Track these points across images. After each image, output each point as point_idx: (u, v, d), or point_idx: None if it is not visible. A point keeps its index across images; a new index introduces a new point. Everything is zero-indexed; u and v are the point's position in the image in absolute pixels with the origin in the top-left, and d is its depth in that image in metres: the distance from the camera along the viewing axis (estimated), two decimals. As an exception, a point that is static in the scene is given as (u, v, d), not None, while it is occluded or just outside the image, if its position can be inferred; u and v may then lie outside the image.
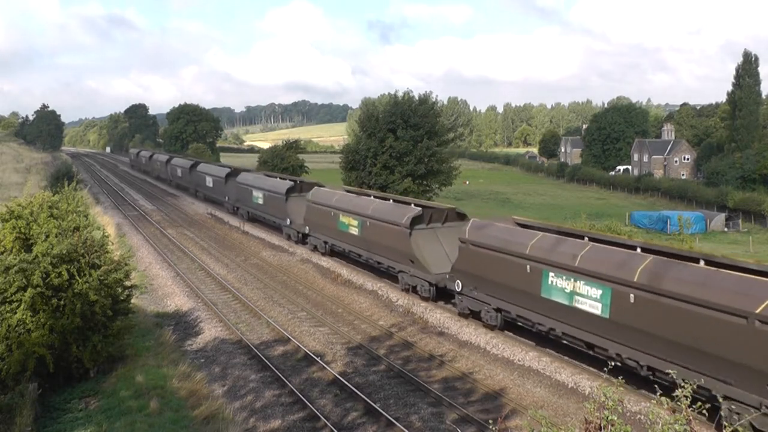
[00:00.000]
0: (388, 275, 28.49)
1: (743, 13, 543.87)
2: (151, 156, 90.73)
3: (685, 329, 14.69)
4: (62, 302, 16.82)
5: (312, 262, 33.37)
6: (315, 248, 35.08)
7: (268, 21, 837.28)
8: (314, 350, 20.42)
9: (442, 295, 24.85)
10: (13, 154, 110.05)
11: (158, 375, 17.43)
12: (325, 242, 33.75)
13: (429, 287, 24.86)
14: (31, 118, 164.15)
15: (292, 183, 39.90)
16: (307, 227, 35.65)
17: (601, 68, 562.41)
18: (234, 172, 52.34)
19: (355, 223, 30.00)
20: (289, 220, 38.20)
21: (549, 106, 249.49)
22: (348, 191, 35.27)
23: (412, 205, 27.52)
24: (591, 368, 18.22)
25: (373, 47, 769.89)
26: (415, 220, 26.01)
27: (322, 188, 36.31)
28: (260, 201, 43.15)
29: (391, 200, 30.15)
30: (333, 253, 33.76)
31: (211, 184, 56.40)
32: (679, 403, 6.58)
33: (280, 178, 44.40)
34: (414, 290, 25.86)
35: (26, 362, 15.69)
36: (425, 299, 25.18)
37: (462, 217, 26.68)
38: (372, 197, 31.45)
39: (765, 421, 13.25)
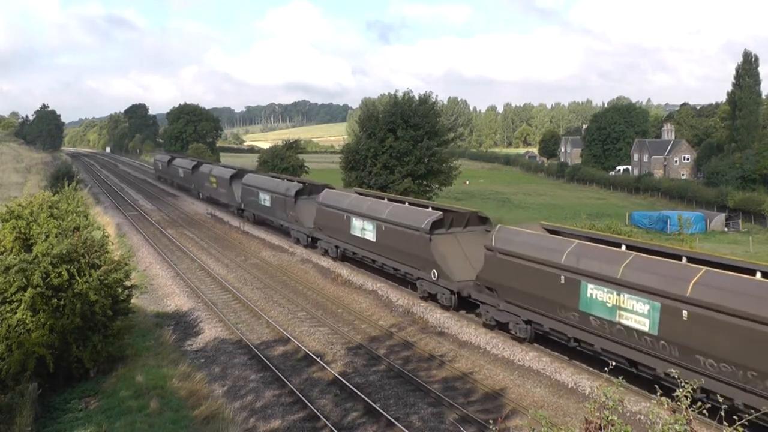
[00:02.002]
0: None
1: (743, 13, 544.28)
2: (195, 167, 61.61)
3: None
4: (62, 302, 16.83)
5: (312, 262, 33.39)
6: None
7: (267, 21, 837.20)
8: (314, 350, 20.43)
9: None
10: (13, 154, 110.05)
11: (158, 375, 17.43)
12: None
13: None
14: (31, 118, 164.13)
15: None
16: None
17: (601, 68, 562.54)
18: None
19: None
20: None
21: (549, 106, 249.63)
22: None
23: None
24: (591, 368, 18.24)
25: (373, 47, 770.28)
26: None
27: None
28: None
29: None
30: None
31: (372, 236, 28.05)
32: (679, 403, 6.58)
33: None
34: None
35: (26, 362, 15.69)
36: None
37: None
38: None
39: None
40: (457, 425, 15.05)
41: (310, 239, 35.55)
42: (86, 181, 75.39)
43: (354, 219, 29.73)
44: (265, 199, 41.48)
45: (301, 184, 38.30)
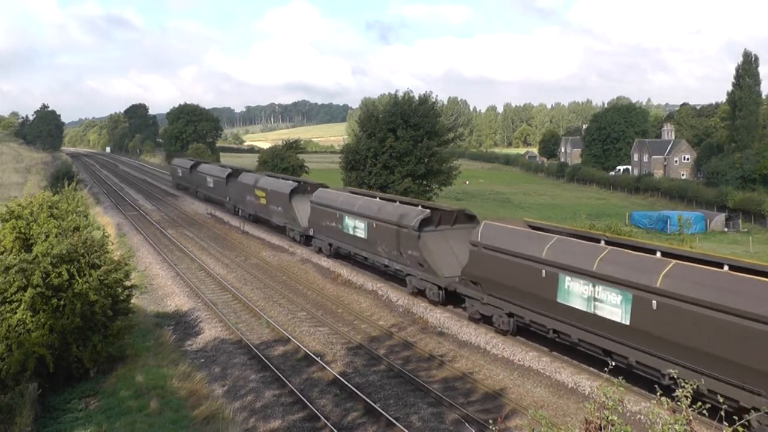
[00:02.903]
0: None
1: (743, 13, 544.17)
2: (231, 175, 50.91)
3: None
4: (62, 302, 16.83)
5: (312, 262, 33.37)
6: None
7: (267, 21, 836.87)
8: (314, 350, 20.43)
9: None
10: (13, 154, 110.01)
11: (158, 375, 17.43)
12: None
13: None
14: (31, 118, 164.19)
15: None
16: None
17: (601, 68, 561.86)
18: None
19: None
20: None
21: (549, 106, 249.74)
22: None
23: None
24: (591, 368, 18.23)
25: (373, 47, 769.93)
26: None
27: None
28: None
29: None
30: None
31: (623, 316, 16.75)
32: (679, 403, 6.58)
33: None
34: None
35: (26, 362, 15.69)
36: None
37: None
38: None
39: None
40: (462, 421, 15.04)
41: (443, 292, 24.05)
42: (86, 181, 75.39)
43: (568, 279, 17.62)
44: (356, 227, 29.78)
45: (427, 210, 25.68)
